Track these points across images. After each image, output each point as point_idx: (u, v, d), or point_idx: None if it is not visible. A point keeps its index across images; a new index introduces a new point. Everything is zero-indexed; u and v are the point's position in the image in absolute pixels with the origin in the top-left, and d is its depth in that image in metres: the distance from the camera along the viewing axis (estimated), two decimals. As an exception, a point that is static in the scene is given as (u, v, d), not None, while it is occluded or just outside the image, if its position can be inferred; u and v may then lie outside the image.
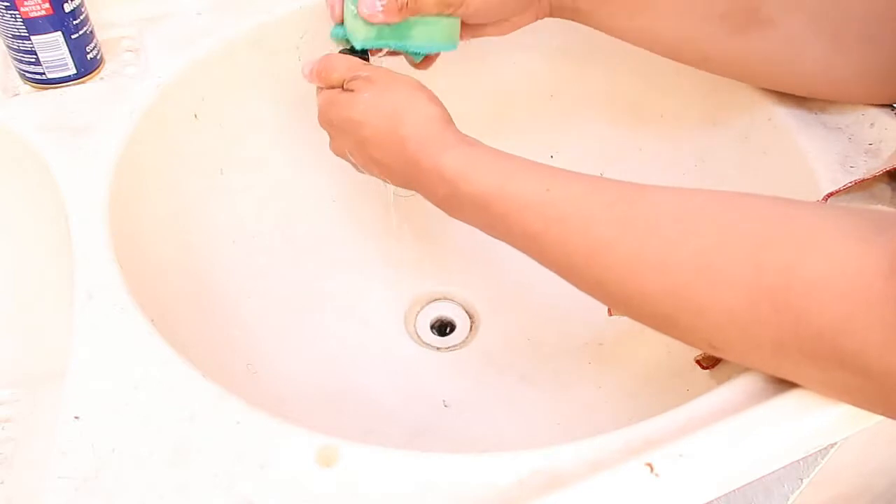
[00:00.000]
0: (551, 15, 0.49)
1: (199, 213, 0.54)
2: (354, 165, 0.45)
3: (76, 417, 0.34)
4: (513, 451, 0.33)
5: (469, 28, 0.48)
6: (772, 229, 0.30)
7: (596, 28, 0.48)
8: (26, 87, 0.51)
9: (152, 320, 0.38)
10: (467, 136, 0.41)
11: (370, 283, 0.60)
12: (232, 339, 0.51)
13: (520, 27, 0.49)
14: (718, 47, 0.46)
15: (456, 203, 0.39)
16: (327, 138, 0.46)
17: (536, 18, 0.49)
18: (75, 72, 0.51)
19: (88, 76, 0.52)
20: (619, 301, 0.35)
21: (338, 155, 0.46)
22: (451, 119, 0.42)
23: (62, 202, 0.44)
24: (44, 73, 0.50)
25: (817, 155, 0.47)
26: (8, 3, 0.47)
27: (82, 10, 0.50)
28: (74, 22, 0.49)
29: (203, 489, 0.32)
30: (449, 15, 0.45)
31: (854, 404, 0.32)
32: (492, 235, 0.39)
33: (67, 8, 0.48)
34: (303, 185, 0.60)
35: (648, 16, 0.46)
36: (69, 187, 0.44)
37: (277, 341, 0.53)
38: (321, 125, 0.45)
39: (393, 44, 0.46)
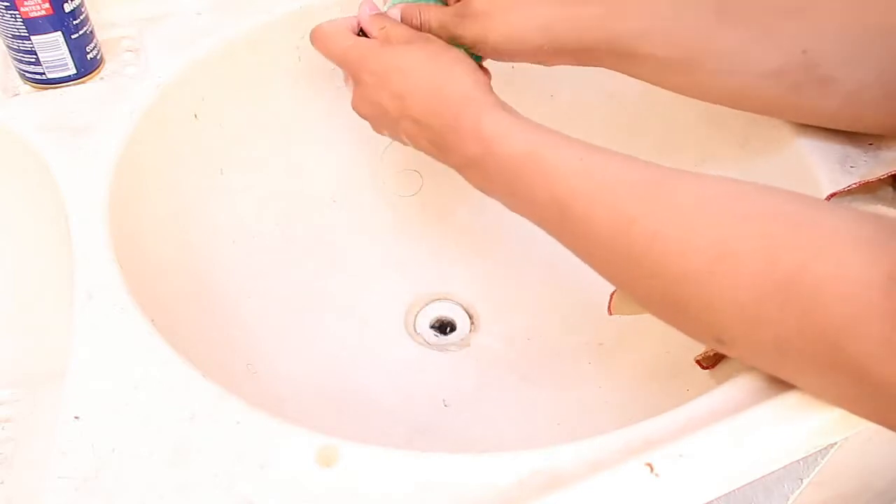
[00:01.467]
0: (593, 63, 0.46)
1: (199, 213, 0.54)
2: (373, 125, 0.46)
3: (76, 417, 0.34)
4: (513, 451, 0.33)
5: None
6: (790, 227, 0.31)
7: (646, 80, 0.46)
8: (26, 87, 0.51)
9: (152, 320, 0.38)
10: (508, 104, 0.41)
11: (370, 283, 0.60)
12: (232, 339, 0.51)
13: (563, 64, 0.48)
14: (778, 102, 0.45)
15: (484, 166, 0.39)
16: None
17: (578, 63, 0.47)
18: (75, 72, 0.51)
19: (88, 76, 0.52)
20: (635, 281, 0.35)
21: (359, 109, 0.46)
22: (493, 90, 0.42)
23: (62, 202, 0.44)
24: (44, 73, 0.50)
25: (817, 155, 0.47)
26: (8, 3, 0.47)
27: (82, 10, 0.50)
28: (74, 22, 0.49)
29: (203, 489, 0.32)
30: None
31: (850, 411, 0.32)
32: (511, 205, 0.39)
33: (67, 8, 0.48)
34: (303, 185, 0.60)
35: (703, 71, 0.44)
36: (69, 187, 0.44)
37: (277, 341, 0.53)
38: (356, 73, 0.45)
39: None
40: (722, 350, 0.34)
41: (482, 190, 0.41)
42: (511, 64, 0.62)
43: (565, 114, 0.63)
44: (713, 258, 0.31)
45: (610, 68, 0.46)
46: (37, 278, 0.54)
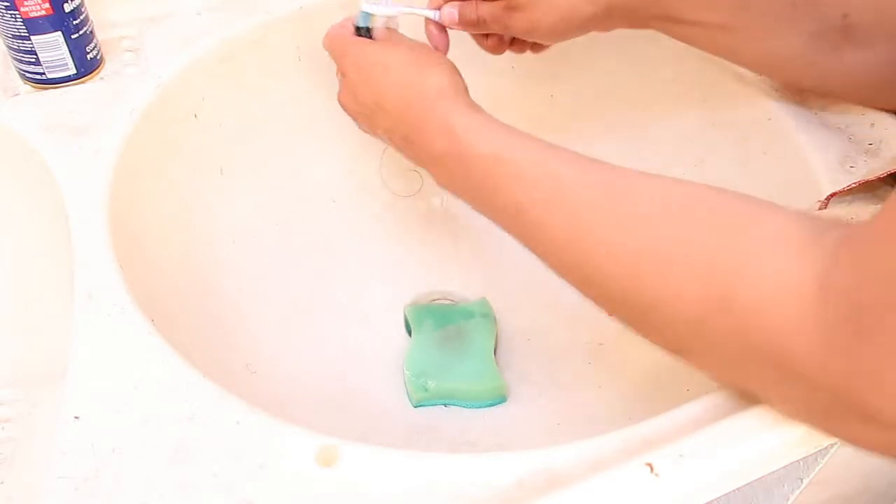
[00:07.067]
0: (643, 26, 0.48)
1: (199, 213, 0.54)
2: (356, 120, 0.46)
3: (76, 417, 0.34)
4: (513, 451, 0.33)
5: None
6: (729, 235, 0.31)
7: (682, 41, 0.48)
8: (26, 87, 0.51)
9: (152, 320, 0.38)
10: (482, 108, 0.42)
11: (370, 283, 0.60)
12: (232, 339, 0.51)
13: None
14: (809, 66, 0.46)
15: (449, 163, 0.40)
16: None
17: (630, 26, 0.48)
18: (75, 72, 0.51)
19: (88, 76, 0.52)
20: (594, 291, 0.35)
21: (343, 103, 0.46)
22: (468, 94, 0.43)
23: (62, 202, 0.44)
24: (44, 73, 0.50)
25: (817, 155, 0.47)
26: (8, 3, 0.47)
27: (82, 10, 0.50)
28: (74, 22, 0.49)
29: (203, 489, 0.32)
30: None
31: (814, 426, 0.31)
32: (474, 204, 0.39)
33: (67, 8, 0.48)
34: (303, 185, 0.60)
35: (743, 35, 0.46)
36: (69, 187, 0.44)
37: (277, 341, 0.53)
38: (344, 66, 0.46)
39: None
40: (686, 361, 0.34)
41: (447, 188, 0.41)
42: (511, 64, 0.62)
43: (565, 114, 0.63)
44: (662, 275, 0.31)
45: (658, 31, 0.48)
46: (37, 278, 0.54)
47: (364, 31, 0.46)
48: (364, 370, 0.54)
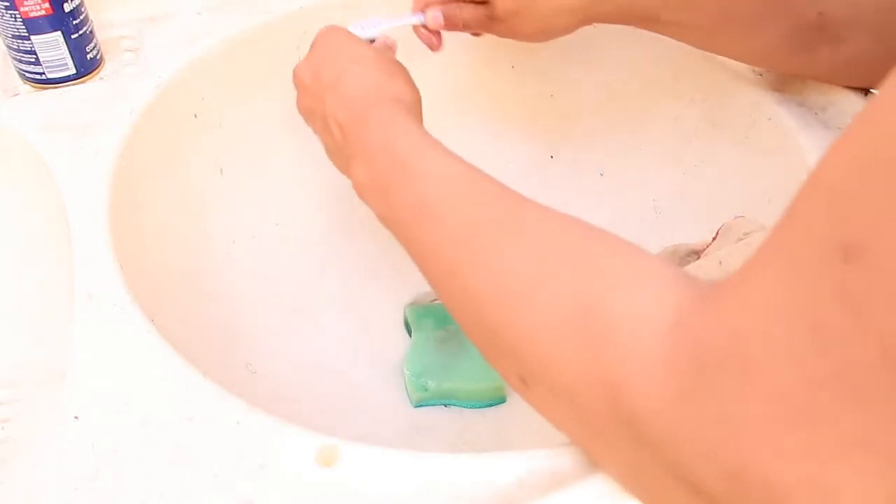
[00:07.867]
0: (623, 24, 0.49)
1: (199, 213, 0.54)
2: (300, 98, 0.46)
3: (76, 417, 0.34)
4: (513, 451, 0.33)
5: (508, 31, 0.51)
6: (605, 256, 0.29)
7: (666, 35, 0.50)
8: (26, 87, 0.51)
9: (152, 320, 0.38)
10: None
11: (369, 283, 0.60)
12: (232, 339, 0.51)
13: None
14: (783, 63, 0.49)
15: (375, 157, 0.39)
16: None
17: (612, 23, 0.50)
18: (75, 72, 0.51)
19: (88, 76, 0.52)
20: (457, 303, 0.34)
21: (300, 75, 0.45)
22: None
23: (62, 202, 0.44)
24: (44, 73, 0.50)
25: (817, 155, 0.47)
26: (8, 3, 0.47)
27: (82, 10, 0.50)
28: (74, 22, 0.49)
29: (203, 489, 0.32)
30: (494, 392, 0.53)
31: (628, 487, 0.29)
32: (381, 210, 0.39)
33: (67, 8, 0.48)
34: (303, 185, 0.60)
35: (722, 34, 0.48)
36: (69, 187, 0.44)
37: (277, 341, 0.53)
38: (316, 39, 0.45)
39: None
40: (525, 394, 0.32)
41: (365, 189, 0.40)
42: (511, 64, 0.62)
43: (565, 114, 0.63)
44: (533, 280, 0.30)
45: (638, 27, 0.49)
46: (37, 278, 0.54)
47: None
48: (364, 370, 0.54)
